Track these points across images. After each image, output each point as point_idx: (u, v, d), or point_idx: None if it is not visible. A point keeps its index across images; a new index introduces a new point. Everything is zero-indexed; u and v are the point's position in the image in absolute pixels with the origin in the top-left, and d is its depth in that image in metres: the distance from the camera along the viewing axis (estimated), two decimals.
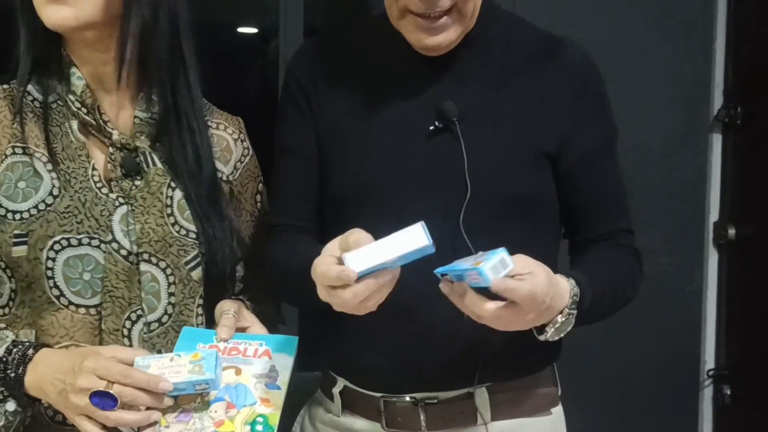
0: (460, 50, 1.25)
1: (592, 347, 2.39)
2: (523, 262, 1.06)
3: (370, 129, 1.25)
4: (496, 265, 1.02)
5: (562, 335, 1.18)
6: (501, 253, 1.02)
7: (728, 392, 2.72)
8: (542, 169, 1.26)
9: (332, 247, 1.07)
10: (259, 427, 1.09)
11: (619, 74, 2.39)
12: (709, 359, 2.79)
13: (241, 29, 3.71)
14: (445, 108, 1.22)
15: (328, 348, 1.38)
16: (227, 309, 1.23)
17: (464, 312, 1.09)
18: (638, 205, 2.44)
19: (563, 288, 1.13)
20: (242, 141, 1.39)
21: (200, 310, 1.26)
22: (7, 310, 1.19)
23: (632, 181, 2.42)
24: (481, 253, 1.08)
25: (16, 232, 1.15)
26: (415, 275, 1.10)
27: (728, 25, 2.70)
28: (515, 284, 1.02)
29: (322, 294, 1.07)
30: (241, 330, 1.24)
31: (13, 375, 1.11)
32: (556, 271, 1.16)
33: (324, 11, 2.84)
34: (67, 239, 1.16)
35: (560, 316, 1.13)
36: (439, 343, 1.25)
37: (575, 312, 1.15)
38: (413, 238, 1.02)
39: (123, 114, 1.25)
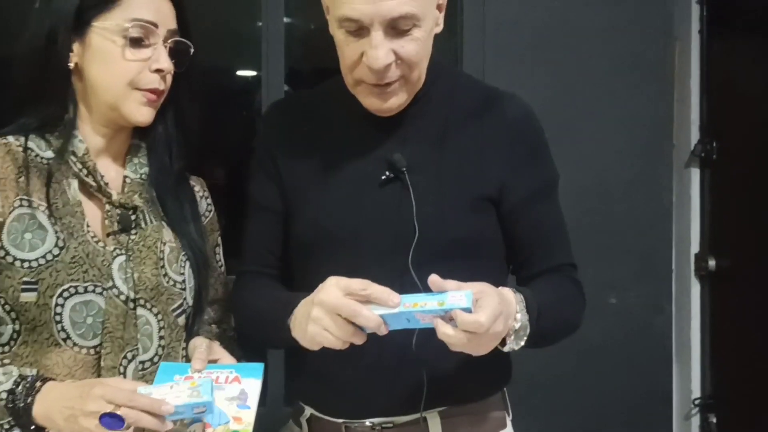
0: (408, 109, 1.36)
1: (566, 379, 2.46)
2: (476, 288, 1.16)
3: (327, 180, 1.37)
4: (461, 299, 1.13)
5: (522, 343, 1.26)
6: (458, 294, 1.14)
7: (714, 420, 2.77)
8: (484, 212, 1.36)
9: (335, 282, 1.19)
10: None
11: (585, 118, 2.53)
12: (695, 388, 2.84)
13: (239, 73, 3.85)
14: (395, 159, 1.33)
15: (294, 381, 1.48)
16: (199, 344, 1.34)
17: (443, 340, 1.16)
18: (606, 241, 2.56)
19: (509, 296, 1.23)
20: (206, 198, 1.50)
21: (184, 352, 1.38)
22: (7, 348, 1.28)
23: (598, 218, 2.55)
24: (425, 294, 1.17)
25: (25, 279, 1.24)
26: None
27: (701, 65, 2.81)
28: (479, 315, 1.11)
29: (322, 323, 1.17)
30: (213, 362, 1.33)
31: (21, 405, 1.19)
32: None
33: (304, 57, 2.97)
34: (75, 287, 1.25)
35: (514, 322, 1.22)
36: (389, 373, 1.33)
37: (527, 317, 1.24)
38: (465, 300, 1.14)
39: (116, 175, 1.37)
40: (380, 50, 1.23)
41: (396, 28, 1.24)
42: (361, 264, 1.28)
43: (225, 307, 1.49)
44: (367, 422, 1.36)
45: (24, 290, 1.24)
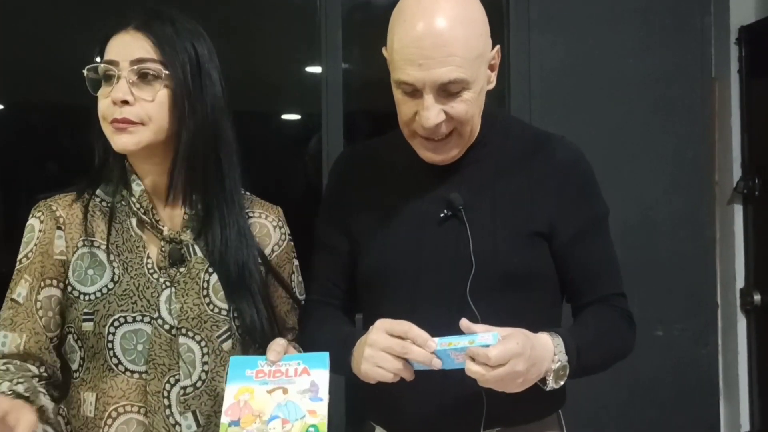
0: (465, 156, 1.46)
1: (614, 409, 2.51)
2: (505, 331, 1.27)
3: (390, 221, 1.48)
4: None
5: (562, 382, 1.35)
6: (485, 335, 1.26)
7: None
8: (537, 246, 1.44)
9: (380, 325, 1.31)
10: None
11: (629, 159, 2.63)
12: (744, 422, 2.86)
13: (285, 116, 3.97)
14: (452, 198, 1.42)
15: (365, 402, 1.56)
16: (279, 340, 1.40)
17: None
18: (651, 276, 2.63)
19: (544, 340, 1.31)
20: (280, 228, 1.56)
21: None
22: (77, 374, 1.39)
23: (644, 254, 2.62)
24: (459, 336, 1.28)
25: (85, 311, 1.37)
26: (434, 334, 1.30)
27: (741, 103, 2.88)
28: (489, 350, 1.23)
29: (374, 360, 1.29)
30: None
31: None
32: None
33: (362, 99, 3.10)
34: (124, 317, 1.37)
35: (553, 363, 1.32)
36: (451, 395, 1.41)
37: (566, 357, 1.33)
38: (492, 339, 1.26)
39: (173, 212, 1.47)
40: (431, 111, 1.35)
41: (447, 90, 1.35)
42: (423, 297, 1.38)
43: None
44: None
45: (84, 320, 1.37)
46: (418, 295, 1.36)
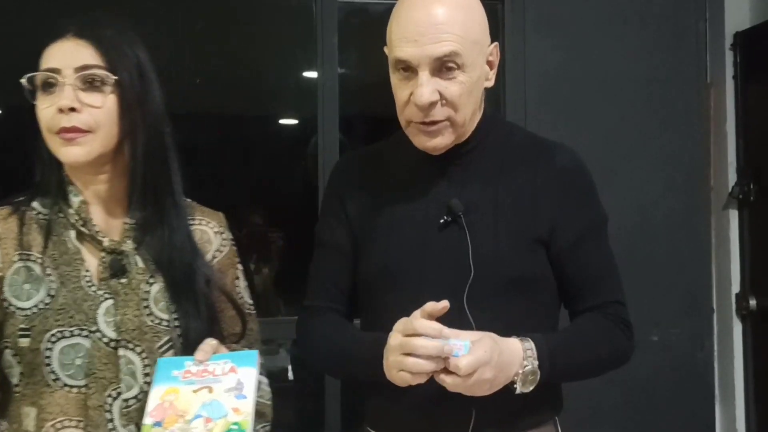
0: (464, 155, 1.48)
1: (610, 412, 2.51)
2: (475, 337, 1.30)
3: (392, 223, 1.49)
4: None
5: (531, 387, 1.35)
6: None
7: None
8: (536, 252, 1.45)
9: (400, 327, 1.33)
10: None
11: (624, 163, 2.63)
12: (740, 427, 2.86)
13: (283, 121, 3.99)
14: (453, 204, 1.44)
15: (361, 407, 1.58)
16: (209, 340, 1.39)
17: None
18: (647, 280, 2.63)
19: (513, 346, 1.34)
20: (221, 233, 1.54)
21: None
22: (17, 389, 1.37)
23: (639, 258, 2.62)
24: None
25: (21, 326, 1.34)
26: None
27: (737, 108, 2.89)
28: (459, 360, 1.26)
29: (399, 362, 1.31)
30: None
31: None
32: None
33: (358, 103, 3.11)
34: (61, 332, 1.34)
35: (521, 368, 1.33)
36: (443, 399, 1.40)
37: (536, 363, 1.34)
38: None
39: (113, 222, 1.46)
40: (425, 88, 1.36)
41: (441, 69, 1.37)
42: (421, 302, 1.37)
43: (252, 341, 1.55)
44: None
45: (21, 336, 1.35)
46: (417, 300, 1.36)
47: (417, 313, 1.32)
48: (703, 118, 2.76)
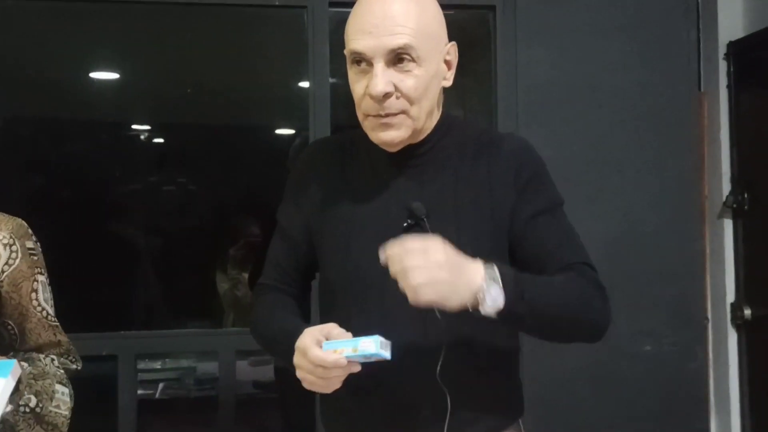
0: (422, 155, 1.48)
1: (601, 424, 2.50)
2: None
3: (354, 224, 1.48)
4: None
5: (496, 310, 1.29)
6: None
7: None
8: (500, 242, 1.45)
9: (313, 331, 1.33)
10: None
11: (617, 173, 2.62)
12: None
13: (279, 131, 3.99)
14: (415, 207, 1.43)
15: (325, 415, 1.57)
16: None
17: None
18: (640, 290, 2.62)
19: (473, 261, 1.30)
20: (11, 245, 1.49)
21: None
22: None
23: (633, 268, 2.60)
24: (343, 341, 1.30)
25: None
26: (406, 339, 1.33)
27: (730, 118, 2.89)
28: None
29: (305, 368, 1.31)
30: None
31: None
32: None
33: (350, 112, 3.10)
34: None
35: (483, 281, 1.28)
36: (402, 410, 1.42)
37: (499, 279, 1.29)
38: (374, 347, 1.27)
39: None
40: (379, 78, 1.37)
41: (396, 63, 1.38)
42: (386, 305, 1.38)
43: (59, 348, 1.53)
44: None
45: None
46: (382, 304, 1.37)
47: (325, 331, 1.32)
48: (697, 127, 2.76)
